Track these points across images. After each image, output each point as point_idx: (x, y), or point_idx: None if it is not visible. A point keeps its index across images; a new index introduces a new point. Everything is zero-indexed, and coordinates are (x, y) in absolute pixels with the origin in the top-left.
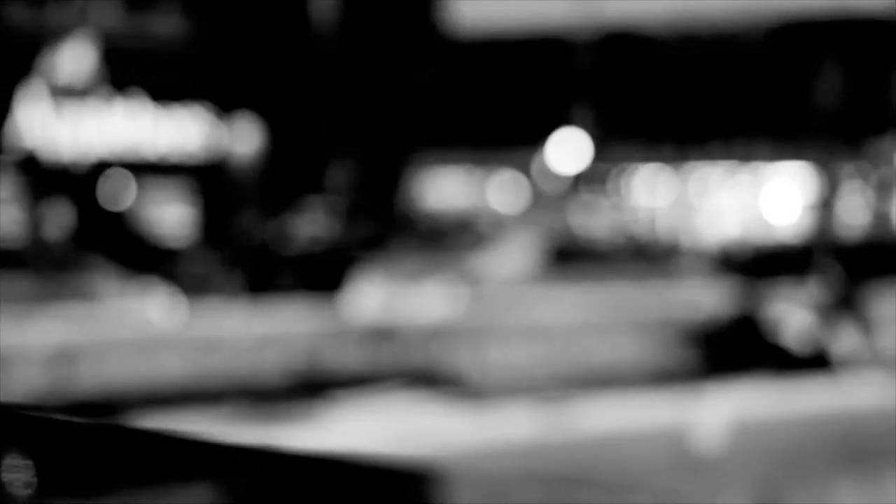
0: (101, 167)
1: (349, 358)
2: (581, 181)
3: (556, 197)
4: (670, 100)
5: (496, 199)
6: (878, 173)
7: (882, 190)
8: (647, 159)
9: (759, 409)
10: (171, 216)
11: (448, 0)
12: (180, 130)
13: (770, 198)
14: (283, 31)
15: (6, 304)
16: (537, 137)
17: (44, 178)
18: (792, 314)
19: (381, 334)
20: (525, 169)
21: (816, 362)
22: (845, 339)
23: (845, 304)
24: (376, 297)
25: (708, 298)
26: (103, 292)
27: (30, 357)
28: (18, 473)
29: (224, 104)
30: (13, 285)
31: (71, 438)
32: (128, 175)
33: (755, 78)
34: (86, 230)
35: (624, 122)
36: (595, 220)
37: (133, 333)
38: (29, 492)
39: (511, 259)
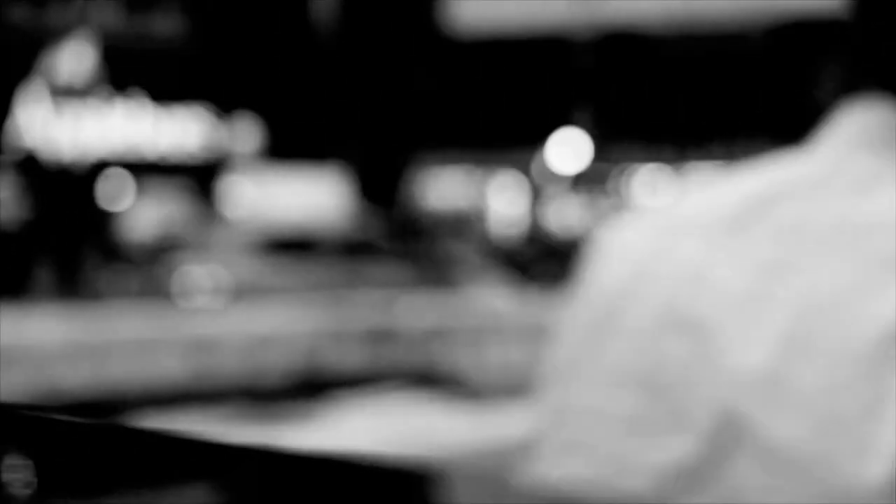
0: (100, 167)
1: (349, 358)
2: (581, 181)
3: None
4: (670, 100)
5: (496, 198)
6: None
7: None
8: (647, 159)
9: None
10: (171, 216)
11: (448, 0)
12: (180, 130)
13: None
14: (283, 31)
15: (379, 291)
16: (537, 137)
17: (44, 178)
18: None
19: (381, 334)
20: (525, 169)
21: None
22: None
23: None
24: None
25: None
26: (465, 281)
27: (31, 356)
28: (18, 473)
29: (224, 104)
30: (387, 273)
31: (71, 438)
32: (128, 175)
33: (755, 78)
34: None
35: (624, 122)
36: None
37: (484, 321)
38: (29, 492)
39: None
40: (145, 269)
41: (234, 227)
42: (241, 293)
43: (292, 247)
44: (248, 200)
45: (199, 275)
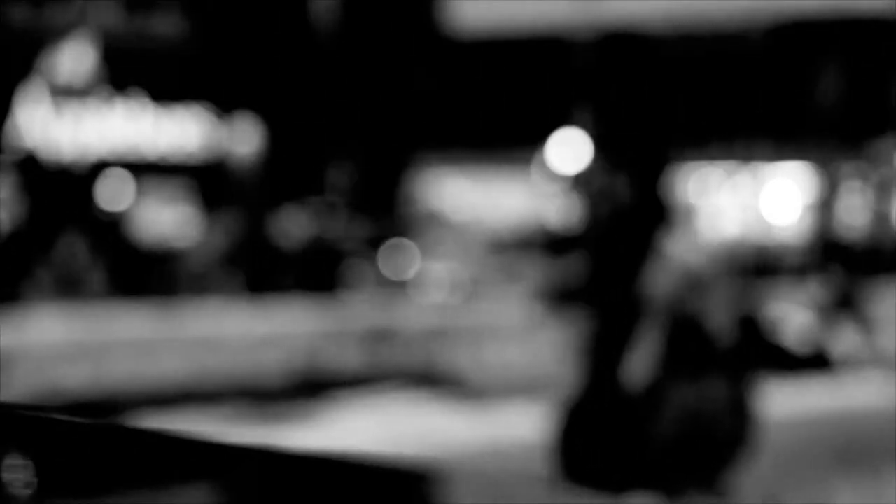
0: (100, 167)
1: (349, 358)
2: (581, 181)
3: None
4: (670, 100)
5: (496, 199)
6: (878, 173)
7: (882, 190)
8: None
9: (759, 409)
10: (171, 216)
11: (448, 0)
12: (180, 130)
13: (770, 198)
14: (284, 31)
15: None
16: (537, 137)
17: (43, 178)
18: (792, 314)
19: (381, 334)
20: (525, 169)
21: (816, 362)
22: (845, 339)
23: (845, 304)
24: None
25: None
26: None
27: (31, 356)
28: (18, 473)
29: (224, 104)
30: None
31: (71, 438)
32: (128, 175)
33: (755, 78)
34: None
35: (624, 122)
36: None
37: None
38: (29, 492)
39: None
40: (373, 261)
41: (456, 227)
42: (476, 288)
43: (511, 245)
44: (465, 200)
45: (435, 270)
